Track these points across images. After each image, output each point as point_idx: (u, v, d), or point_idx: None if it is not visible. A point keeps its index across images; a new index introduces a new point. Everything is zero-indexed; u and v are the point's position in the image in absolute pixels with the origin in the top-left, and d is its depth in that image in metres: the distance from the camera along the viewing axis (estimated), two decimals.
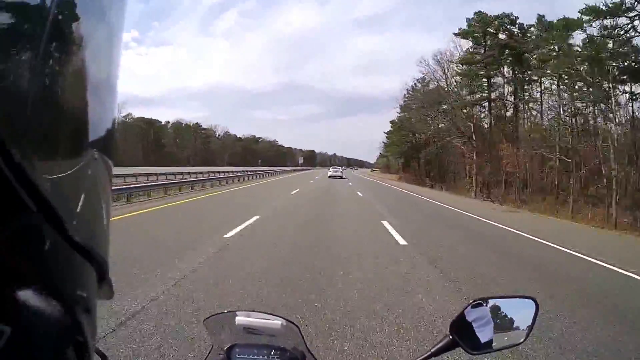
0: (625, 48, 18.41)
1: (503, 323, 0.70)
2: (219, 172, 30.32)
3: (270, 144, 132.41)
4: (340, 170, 44.49)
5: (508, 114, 27.63)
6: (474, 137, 26.26)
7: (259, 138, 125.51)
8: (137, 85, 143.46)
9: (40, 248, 0.22)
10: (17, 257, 0.21)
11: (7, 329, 0.20)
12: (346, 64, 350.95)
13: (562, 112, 22.16)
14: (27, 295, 0.21)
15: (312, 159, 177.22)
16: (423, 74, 32.12)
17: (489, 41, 26.80)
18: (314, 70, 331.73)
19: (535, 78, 24.69)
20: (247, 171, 34.99)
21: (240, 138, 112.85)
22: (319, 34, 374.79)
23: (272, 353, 0.67)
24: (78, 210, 0.25)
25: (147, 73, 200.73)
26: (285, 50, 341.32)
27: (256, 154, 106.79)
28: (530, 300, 0.74)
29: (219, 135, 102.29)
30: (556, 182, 20.32)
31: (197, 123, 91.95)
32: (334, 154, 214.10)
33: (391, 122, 57.65)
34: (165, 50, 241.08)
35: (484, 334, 0.68)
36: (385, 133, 58.35)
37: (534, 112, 25.69)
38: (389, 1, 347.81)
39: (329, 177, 36.86)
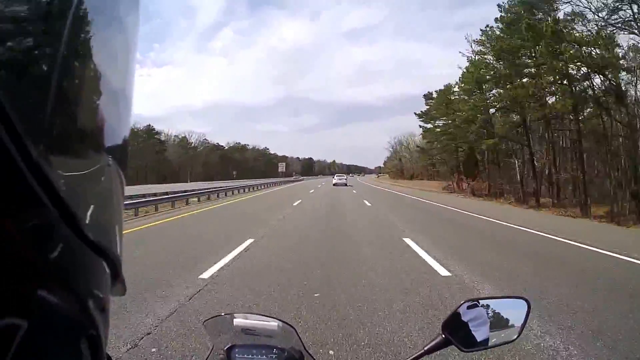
0: None
1: (496, 322, 0.70)
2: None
3: (260, 152, 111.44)
4: (345, 178, 44.17)
5: None
6: None
7: (245, 145, 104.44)
8: (141, 106, 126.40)
9: (55, 244, 0.22)
10: (33, 252, 0.21)
11: (25, 323, 0.20)
12: (340, 75, 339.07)
13: None
14: (44, 291, 0.21)
15: (310, 167, 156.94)
16: None
17: None
18: (310, 83, 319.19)
19: None
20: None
21: (222, 146, 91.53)
22: (312, 47, 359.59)
23: (270, 353, 0.67)
24: (92, 209, 0.25)
25: (150, 94, 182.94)
26: (280, 64, 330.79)
27: (239, 164, 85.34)
28: (522, 301, 0.74)
29: (192, 143, 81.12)
30: None
31: (149, 125, 67.73)
32: (333, 161, 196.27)
33: (425, 95, 36.97)
34: (166, 70, 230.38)
35: (479, 333, 0.68)
36: (418, 115, 37.35)
37: None
38: (376, 13, 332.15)
39: (334, 184, 36.45)
